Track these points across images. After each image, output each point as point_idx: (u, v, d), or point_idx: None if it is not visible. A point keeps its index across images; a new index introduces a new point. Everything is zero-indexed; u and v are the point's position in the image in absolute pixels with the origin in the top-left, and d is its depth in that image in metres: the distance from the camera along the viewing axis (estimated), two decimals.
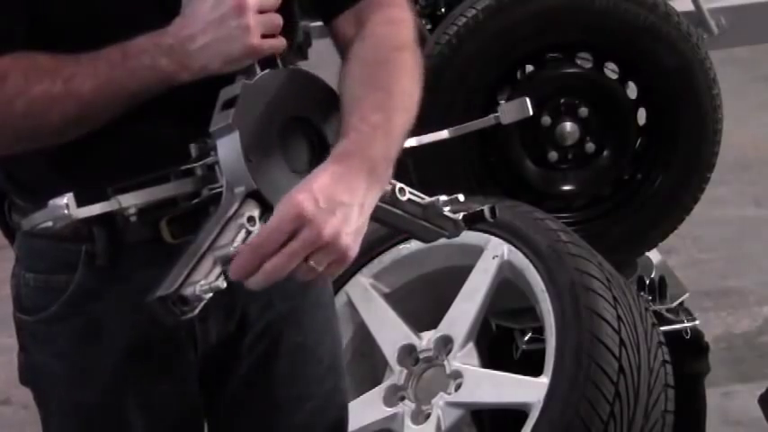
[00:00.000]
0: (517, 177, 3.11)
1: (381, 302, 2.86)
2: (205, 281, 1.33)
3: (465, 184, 3.01)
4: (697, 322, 3.09)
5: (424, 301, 2.90)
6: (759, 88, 5.93)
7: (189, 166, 1.46)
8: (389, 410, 2.70)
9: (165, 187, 1.46)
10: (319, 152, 1.46)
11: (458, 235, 1.59)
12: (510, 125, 2.98)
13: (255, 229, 1.38)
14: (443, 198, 1.55)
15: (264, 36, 1.47)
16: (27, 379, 1.72)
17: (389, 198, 1.51)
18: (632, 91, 3.11)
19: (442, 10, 3.58)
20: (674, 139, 3.08)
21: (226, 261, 1.35)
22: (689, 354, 3.04)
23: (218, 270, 1.35)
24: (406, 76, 1.57)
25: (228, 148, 1.40)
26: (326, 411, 1.81)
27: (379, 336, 2.81)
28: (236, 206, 1.39)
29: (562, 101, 3.09)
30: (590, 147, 3.10)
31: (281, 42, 1.48)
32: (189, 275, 1.33)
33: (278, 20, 1.48)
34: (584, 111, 3.08)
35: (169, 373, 1.66)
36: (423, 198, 1.55)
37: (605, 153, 3.11)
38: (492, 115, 1.64)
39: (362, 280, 2.86)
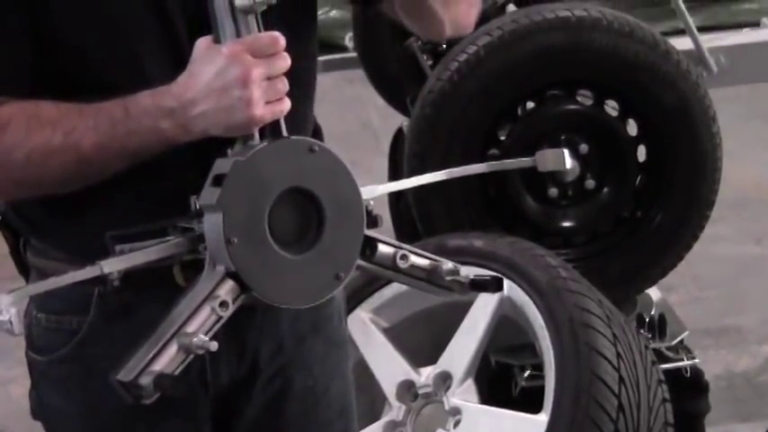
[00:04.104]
0: (517, 213, 3.12)
1: (380, 337, 2.86)
2: (165, 371, 1.35)
3: (465, 219, 3.04)
4: (697, 360, 3.09)
5: (423, 336, 2.90)
6: (758, 126, 5.94)
7: (185, 225, 1.46)
8: None
9: (150, 251, 1.44)
10: (317, 224, 1.45)
11: (465, 295, 1.59)
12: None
13: (227, 314, 1.39)
14: (447, 266, 1.54)
15: (269, 101, 1.45)
16: (39, 415, 1.73)
17: (391, 264, 1.50)
18: (632, 128, 3.13)
19: (444, 46, 3.57)
20: (674, 177, 3.09)
21: (189, 352, 1.36)
22: (689, 392, 3.04)
23: (180, 359, 1.36)
24: None
25: (212, 226, 1.40)
26: None
27: (377, 371, 2.82)
28: (212, 285, 1.39)
29: (562, 137, 3.10)
30: (590, 183, 3.11)
31: (285, 106, 1.46)
32: (149, 363, 1.35)
33: (284, 85, 1.45)
34: (584, 147, 3.10)
35: (180, 414, 1.65)
36: (426, 261, 1.54)
37: (605, 190, 3.12)
38: (530, 158, 1.64)
39: (362, 314, 2.87)
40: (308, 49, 1.66)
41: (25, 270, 1.71)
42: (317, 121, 1.75)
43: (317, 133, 1.72)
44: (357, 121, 6.04)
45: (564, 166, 1.63)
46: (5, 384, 3.93)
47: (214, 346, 1.36)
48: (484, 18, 3.32)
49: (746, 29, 4.12)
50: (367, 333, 2.85)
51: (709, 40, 3.76)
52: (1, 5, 1.50)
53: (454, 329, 2.77)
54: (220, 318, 1.39)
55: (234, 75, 1.42)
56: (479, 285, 1.56)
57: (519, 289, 2.71)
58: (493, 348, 2.92)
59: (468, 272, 1.56)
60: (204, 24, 1.45)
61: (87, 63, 1.53)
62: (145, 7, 1.54)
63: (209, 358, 1.58)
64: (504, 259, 2.75)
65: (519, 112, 3.12)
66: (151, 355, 1.35)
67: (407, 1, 1.61)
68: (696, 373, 3.08)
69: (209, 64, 1.44)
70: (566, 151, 1.62)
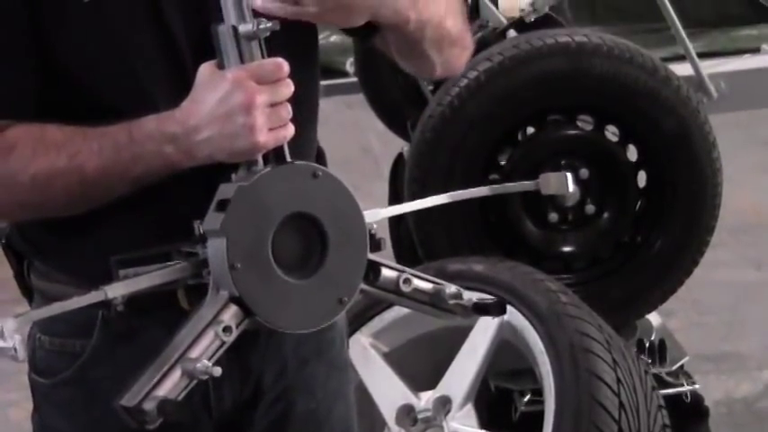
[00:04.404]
0: (517, 238, 3.13)
1: (380, 361, 2.86)
2: (169, 396, 1.35)
3: (466, 243, 3.04)
4: (697, 386, 3.10)
5: (423, 360, 2.90)
6: (758, 152, 5.96)
7: (189, 249, 1.46)
8: None
9: (154, 275, 1.44)
10: (320, 249, 1.45)
11: (467, 318, 1.59)
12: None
13: (230, 339, 1.39)
14: (450, 290, 1.54)
15: (273, 127, 1.45)
16: None
17: (394, 288, 1.51)
18: (633, 153, 3.14)
19: None
20: (674, 202, 3.10)
21: (192, 377, 1.36)
22: (689, 418, 3.05)
23: (183, 384, 1.37)
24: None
25: (216, 251, 1.40)
26: None
27: (377, 395, 2.81)
28: (216, 310, 1.40)
29: (563, 162, 3.11)
30: (590, 208, 3.12)
31: (288, 132, 1.45)
32: (153, 389, 1.35)
33: (287, 112, 1.45)
34: (584, 172, 3.10)
35: None
36: (429, 284, 1.54)
37: (605, 215, 3.13)
38: (533, 182, 1.64)
39: (362, 339, 2.87)
40: (310, 73, 1.67)
41: (29, 293, 1.71)
42: (320, 144, 1.75)
43: (320, 157, 1.73)
44: (357, 146, 6.05)
45: (567, 190, 1.63)
46: (5, 408, 3.92)
47: (218, 371, 1.36)
48: (484, 43, 3.35)
49: (746, 55, 4.17)
50: (367, 357, 2.85)
51: (710, 66, 3.78)
52: (7, 30, 1.51)
53: (454, 354, 2.77)
54: (224, 343, 1.39)
55: (237, 101, 1.42)
56: (482, 309, 1.56)
57: (519, 314, 2.71)
58: (492, 373, 2.92)
59: (471, 296, 1.56)
60: (208, 49, 1.46)
61: (92, 87, 1.54)
62: (149, 32, 1.55)
63: (212, 382, 1.58)
64: (504, 284, 2.75)
65: (519, 137, 3.14)
66: (155, 381, 1.35)
67: (402, 42, 1.62)
68: (696, 398, 3.08)
69: (212, 90, 1.44)
70: (569, 175, 1.62)
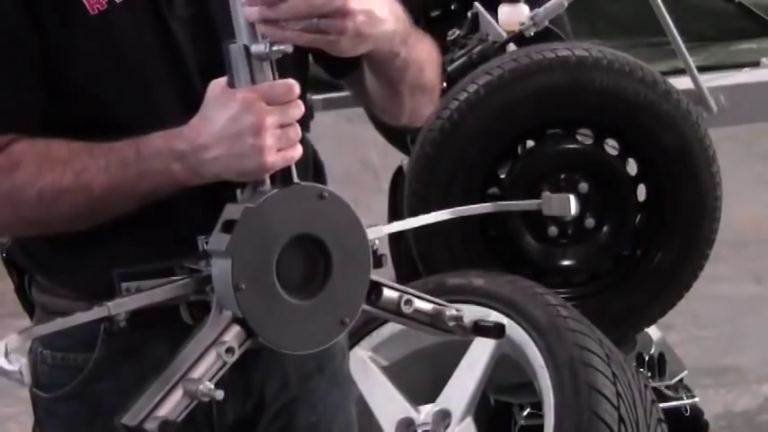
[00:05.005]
0: (517, 252, 3.13)
1: (380, 375, 2.86)
2: (169, 417, 1.35)
3: (466, 257, 3.05)
4: (696, 399, 3.10)
5: (422, 374, 2.90)
6: (757, 166, 5.98)
7: (193, 266, 1.46)
8: None
9: (157, 291, 1.44)
10: (324, 270, 1.45)
11: (466, 337, 1.60)
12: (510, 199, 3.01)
13: (232, 360, 1.40)
14: (450, 313, 1.55)
15: (281, 149, 1.45)
16: None
17: (395, 309, 1.52)
18: (632, 167, 3.14)
19: (444, 85, 3.62)
20: (674, 216, 3.10)
21: (194, 398, 1.36)
22: (688, 431, 3.04)
23: (184, 404, 1.37)
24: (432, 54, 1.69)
25: (221, 272, 1.41)
26: None
27: (376, 409, 2.82)
28: (219, 330, 1.40)
29: (562, 176, 3.11)
30: (590, 222, 3.12)
31: (296, 153, 1.46)
32: (155, 408, 1.35)
33: (296, 133, 1.45)
34: (584, 186, 3.10)
35: None
36: (430, 305, 1.55)
37: (605, 229, 3.13)
38: (536, 201, 1.65)
39: (361, 353, 2.87)
40: (306, 85, 1.67)
41: (30, 307, 1.71)
42: (320, 158, 1.76)
43: (319, 170, 1.74)
44: (357, 160, 6.06)
45: (569, 213, 1.63)
46: (4, 422, 3.92)
47: (220, 395, 1.37)
48: (484, 57, 3.35)
49: (746, 69, 4.17)
50: (366, 371, 2.85)
51: (709, 80, 3.78)
52: (14, 45, 1.52)
53: (453, 368, 2.77)
54: (225, 363, 1.39)
55: (247, 122, 1.42)
56: (482, 330, 1.56)
57: (519, 328, 2.71)
58: (492, 387, 2.92)
59: (472, 317, 1.56)
60: (216, 65, 1.45)
61: (99, 102, 1.55)
62: (159, 48, 1.56)
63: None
64: (504, 298, 2.75)
65: (519, 150, 3.14)
66: (156, 400, 1.36)
67: (382, 79, 1.63)
68: (695, 412, 3.09)
69: (222, 109, 1.44)
70: (572, 197, 1.63)
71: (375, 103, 1.72)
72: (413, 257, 3.15)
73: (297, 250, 1.43)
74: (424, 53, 1.66)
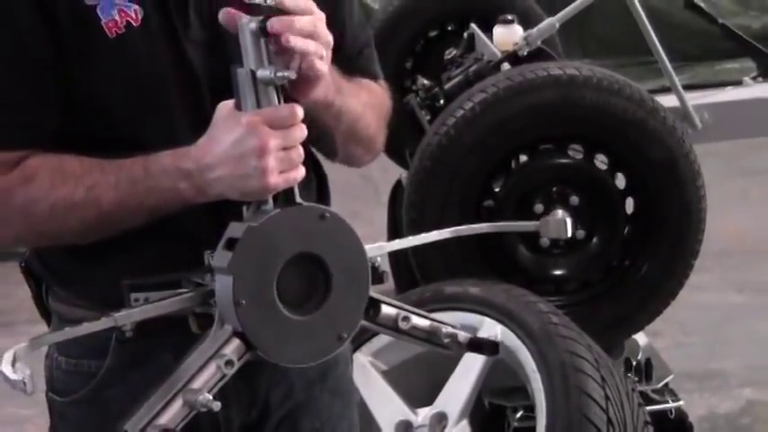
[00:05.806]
0: (511, 262, 3.15)
1: (379, 379, 2.89)
2: (169, 425, 1.38)
3: (462, 267, 3.07)
4: (681, 403, 3.13)
5: (420, 378, 2.92)
6: (740, 180, 5.95)
7: (198, 280, 1.48)
8: None
9: (163, 304, 1.46)
10: (323, 288, 1.46)
11: (461, 353, 1.64)
12: (505, 213, 3.07)
13: (231, 372, 1.42)
14: (446, 330, 1.57)
15: (284, 170, 1.45)
16: None
17: (393, 325, 1.53)
18: (621, 181, 3.17)
19: (441, 102, 3.64)
20: (661, 228, 3.13)
21: (193, 408, 1.39)
22: None
23: (184, 413, 1.39)
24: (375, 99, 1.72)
25: (223, 288, 1.42)
26: None
27: (376, 411, 2.84)
28: (220, 343, 1.42)
29: (554, 189, 3.15)
30: (580, 234, 3.14)
31: (299, 174, 1.46)
32: (156, 417, 1.38)
33: (298, 155, 1.46)
34: (574, 199, 3.14)
35: None
36: (427, 322, 1.57)
37: (595, 240, 3.16)
38: (534, 223, 1.69)
39: (361, 358, 2.89)
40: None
41: (47, 315, 1.73)
42: (323, 170, 1.78)
43: (322, 182, 1.77)
44: (358, 174, 5.94)
45: (566, 235, 1.66)
46: (22, 423, 3.89)
47: (217, 406, 1.39)
48: (480, 76, 3.39)
49: (729, 87, 4.15)
50: (366, 375, 2.86)
51: (694, 98, 3.81)
52: (32, 62, 1.53)
53: (450, 372, 2.79)
54: (225, 375, 1.42)
55: (251, 145, 1.43)
56: (476, 347, 1.60)
57: (512, 334, 2.73)
58: (487, 390, 2.94)
59: (467, 335, 1.58)
60: (227, 86, 1.47)
61: (114, 121, 1.57)
62: (173, 70, 1.57)
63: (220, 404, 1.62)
64: (498, 306, 2.77)
65: (513, 165, 3.16)
66: (158, 409, 1.38)
67: (319, 125, 1.62)
68: (680, 415, 3.11)
69: (228, 132, 1.45)
70: (568, 220, 1.66)
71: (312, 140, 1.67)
72: (411, 267, 3.16)
73: (297, 268, 1.44)
74: (358, 106, 1.65)
